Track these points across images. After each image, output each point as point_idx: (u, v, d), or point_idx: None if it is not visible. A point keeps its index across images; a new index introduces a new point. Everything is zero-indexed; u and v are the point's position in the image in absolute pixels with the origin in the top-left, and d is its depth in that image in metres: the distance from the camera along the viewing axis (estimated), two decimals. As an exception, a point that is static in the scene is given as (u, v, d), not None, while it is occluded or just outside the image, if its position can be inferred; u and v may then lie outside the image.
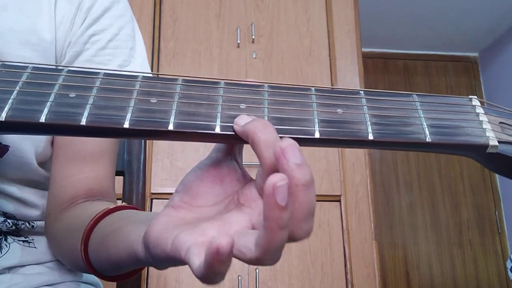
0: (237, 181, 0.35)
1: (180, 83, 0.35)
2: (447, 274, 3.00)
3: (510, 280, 1.90)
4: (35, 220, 0.61)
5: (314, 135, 0.32)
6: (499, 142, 0.33)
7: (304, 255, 1.77)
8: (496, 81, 3.26)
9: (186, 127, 0.32)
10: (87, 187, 0.57)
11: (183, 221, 0.33)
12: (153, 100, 0.33)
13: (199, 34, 2.00)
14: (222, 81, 0.35)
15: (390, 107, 0.35)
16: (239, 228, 0.31)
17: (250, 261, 0.29)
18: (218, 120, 0.33)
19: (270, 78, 1.96)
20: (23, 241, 0.60)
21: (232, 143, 0.36)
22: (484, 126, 0.34)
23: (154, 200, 1.78)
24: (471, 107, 0.36)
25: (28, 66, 0.35)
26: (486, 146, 0.33)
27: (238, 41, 2.00)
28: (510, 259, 0.83)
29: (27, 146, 0.56)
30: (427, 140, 0.33)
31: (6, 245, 0.58)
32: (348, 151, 1.91)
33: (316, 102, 0.34)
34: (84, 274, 0.65)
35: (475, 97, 0.36)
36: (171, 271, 1.68)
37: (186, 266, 0.30)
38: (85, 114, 0.32)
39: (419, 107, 0.35)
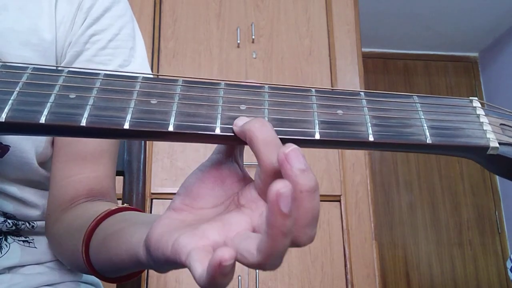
0: (238, 182, 0.35)
1: (181, 84, 0.34)
2: (447, 274, 3.00)
3: (510, 280, 1.91)
4: (35, 220, 0.61)
5: (314, 137, 0.32)
6: (499, 143, 0.33)
7: (304, 255, 1.77)
8: (496, 81, 3.26)
9: (186, 128, 0.32)
10: (87, 187, 0.57)
11: (184, 223, 0.33)
12: (153, 101, 0.33)
13: (199, 34, 2.00)
14: (223, 82, 0.35)
15: (390, 109, 0.35)
16: (239, 229, 0.31)
17: (252, 266, 0.28)
18: (218, 122, 0.32)
19: (270, 78, 1.96)
20: (23, 241, 0.60)
21: (233, 144, 0.35)
22: (484, 128, 0.34)
23: (154, 200, 1.78)
24: (472, 108, 0.36)
25: (28, 67, 0.35)
26: (486, 147, 0.33)
27: (238, 41, 2.00)
28: (510, 259, 0.83)
29: (28, 146, 0.56)
30: (427, 141, 0.33)
31: (6, 245, 0.58)
32: (348, 151, 1.91)
33: (316, 103, 0.34)
34: (84, 274, 0.65)
35: (476, 98, 0.36)
36: (171, 271, 1.68)
37: (186, 267, 0.30)
38: (85, 115, 0.32)
39: (420, 109, 0.35)
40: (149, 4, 1.99)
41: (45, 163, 0.61)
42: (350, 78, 2.01)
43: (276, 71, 1.98)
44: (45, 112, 0.32)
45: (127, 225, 0.44)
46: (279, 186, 0.25)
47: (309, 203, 0.28)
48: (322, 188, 1.84)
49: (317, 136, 0.32)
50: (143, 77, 0.35)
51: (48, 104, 0.32)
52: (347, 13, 2.11)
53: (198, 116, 0.33)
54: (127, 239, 0.40)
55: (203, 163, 0.36)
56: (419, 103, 0.35)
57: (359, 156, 1.91)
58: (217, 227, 0.31)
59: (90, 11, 0.60)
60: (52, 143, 0.60)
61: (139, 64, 0.64)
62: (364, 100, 0.35)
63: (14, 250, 0.59)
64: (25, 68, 0.35)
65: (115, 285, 0.67)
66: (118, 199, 0.62)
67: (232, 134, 0.32)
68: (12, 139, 0.54)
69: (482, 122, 0.35)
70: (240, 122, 0.32)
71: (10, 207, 0.58)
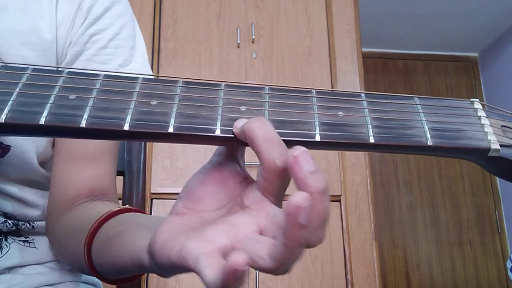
0: (240, 183, 0.35)
1: (181, 85, 0.34)
2: (447, 274, 3.00)
3: (510, 280, 1.91)
4: (36, 220, 0.61)
5: (314, 138, 0.32)
6: (501, 145, 0.33)
7: (304, 255, 1.77)
8: (496, 81, 3.26)
9: (186, 130, 0.32)
10: (88, 186, 0.57)
11: (187, 227, 0.33)
12: (153, 102, 0.33)
13: (199, 34, 2.00)
14: (223, 83, 0.35)
15: (391, 110, 0.34)
16: (247, 231, 0.31)
17: (262, 270, 0.28)
18: (219, 123, 0.32)
19: (270, 78, 1.96)
20: (23, 241, 0.60)
21: (233, 146, 0.35)
22: (485, 130, 0.34)
23: (154, 200, 1.77)
24: (473, 110, 0.36)
25: (28, 68, 0.35)
26: (487, 149, 0.33)
27: (238, 41, 1.99)
28: (510, 259, 0.83)
29: (28, 146, 0.56)
30: (428, 143, 0.33)
31: (6, 245, 0.58)
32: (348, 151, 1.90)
33: (316, 105, 0.34)
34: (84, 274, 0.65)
35: (477, 100, 0.36)
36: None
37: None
38: (85, 116, 0.32)
39: (421, 110, 0.35)
40: (149, 4, 1.99)
41: (46, 163, 0.61)
42: (350, 78, 2.01)
43: (276, 71, 1.98)
44: (45, 113, 0.32)
45: (129, 227, 0.43)
46: (300, 200, 0.25)
47: (319, 205, 0.28)
48: (322, 188, 1.84)
49: (318, 138, 0.32)
50: (143, 78, 0.35)
51: (48, 105, 0.32)
52: (347, 13, 2.11)
53: (198, 117, 0.33)
54: (129, 241, 0.40)
55: (204, 165, 0.36)
56: (420, 104, 0.35)
57: (359, 156, 1.91)
58: (224, 229, 0.31)
59: (90, 11, 0.60)
60: (53, 143, 0.60)
61: (139, 63, 0.64)
62: (365, 102, 0.35)
63: (14, 250, 0.59)
64: (24, 69, 0.35)
65: (115, 285, 0.67)
66: (118, 199, 0.62)
67: (232, 135, 0.32)
68: (13, 139, 0.54)
69: (483, 124, 0.34)
70: (240, 124, 0.32)
71: (10, 207, 0.58)
